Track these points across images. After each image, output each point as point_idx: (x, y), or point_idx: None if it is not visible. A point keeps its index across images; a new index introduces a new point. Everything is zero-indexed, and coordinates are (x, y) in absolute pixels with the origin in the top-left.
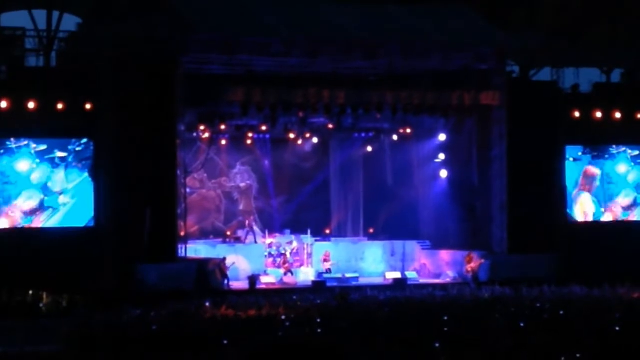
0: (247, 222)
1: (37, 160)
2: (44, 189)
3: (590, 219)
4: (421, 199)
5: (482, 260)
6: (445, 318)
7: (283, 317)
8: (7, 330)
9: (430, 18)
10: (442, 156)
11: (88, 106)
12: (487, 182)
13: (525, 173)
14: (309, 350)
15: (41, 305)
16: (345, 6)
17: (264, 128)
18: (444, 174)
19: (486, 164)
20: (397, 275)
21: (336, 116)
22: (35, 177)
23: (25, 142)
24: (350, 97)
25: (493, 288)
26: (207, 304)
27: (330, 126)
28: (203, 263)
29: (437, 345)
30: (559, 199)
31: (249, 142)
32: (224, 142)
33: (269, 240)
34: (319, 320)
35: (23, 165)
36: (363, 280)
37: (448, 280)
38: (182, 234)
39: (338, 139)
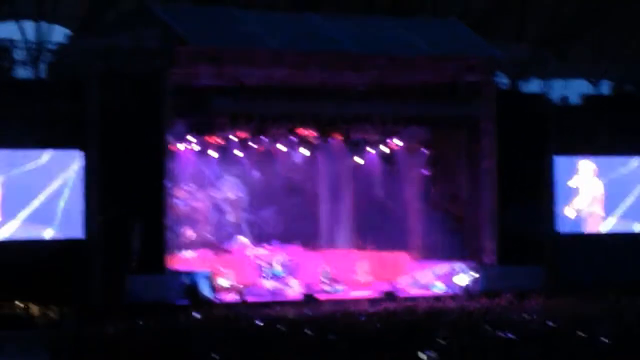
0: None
1: None
2: None
3: None
4: (410, 210)
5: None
6: (435, 329)
7: (273, 330)
8: None
9: (419, 30)
10: (430, 168)
11: (76, 118)
12: (476, 194)
13: (515, 184)
14: None
15: (30, 317)
16: (334, 18)
17: (253, 139)
18: (433, 185)
19: (475, 175)
20: (387, 286)
21: (325, 127)
22: None
23: None
24: (339, 108)
25: (482, 299)
26: (197, 316)
27: (320, 137)
28: (192, 275)
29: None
30: (549, 211)
31: (238, 153)
32: (213, 153)
33: (259, 252)
34: (309, 333)
35: None
36: (353, 292)
37: (438, 291)
38: (171, 245)
39: (327, 150)
